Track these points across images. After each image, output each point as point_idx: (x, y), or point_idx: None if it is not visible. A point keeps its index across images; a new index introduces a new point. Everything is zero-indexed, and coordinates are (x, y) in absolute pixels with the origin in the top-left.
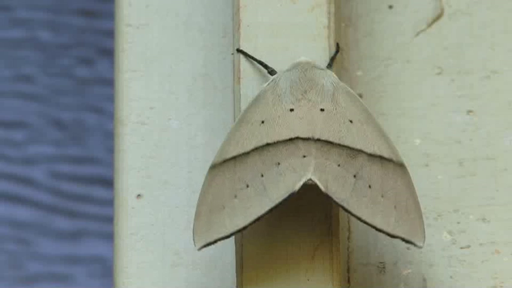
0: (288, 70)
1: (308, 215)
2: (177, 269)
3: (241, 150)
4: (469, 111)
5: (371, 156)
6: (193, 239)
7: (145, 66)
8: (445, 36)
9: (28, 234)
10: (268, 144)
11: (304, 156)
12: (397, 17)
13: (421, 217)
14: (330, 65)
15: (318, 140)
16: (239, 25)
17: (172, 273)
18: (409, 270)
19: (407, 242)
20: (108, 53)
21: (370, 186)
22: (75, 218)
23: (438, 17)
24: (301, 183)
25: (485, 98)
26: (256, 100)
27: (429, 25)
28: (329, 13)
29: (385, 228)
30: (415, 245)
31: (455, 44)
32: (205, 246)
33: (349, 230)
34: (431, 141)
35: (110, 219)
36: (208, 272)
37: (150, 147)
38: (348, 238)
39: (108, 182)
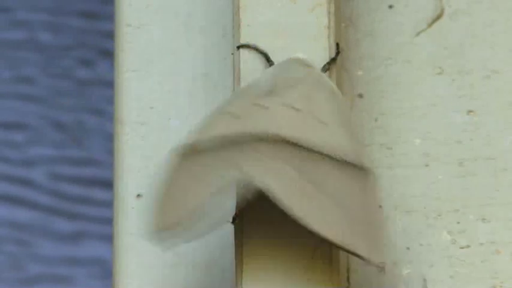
0: (277, 65)
1: None
2: (177, 269)
3: (210, 144)
4: (469, 111)
5: (336, 161)
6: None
7: (145, 66)
8: (445, 36)
9: (28, 236)
10: (234, 142)
11: (262, 160)
12: (397, 17)
13: (381, 232)
14: (330, 65)
15: (286, 141)
16: (239, 25)
17: (172, 273)
18: (409, 270)
19: (363, 259)
20: (109, 55)
21: (329, 195)
22: (75, 219)
23: (438, 17)
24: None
25: (485, 98)
26: (235, 94)
27: (429, 25)
28: (329, 13)
29: (338, 242)
30: (371, 264)
31: (456, 44)
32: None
33: None
34: (432, 141)
35: (109, 221)
36: (208, 272)
37: (150, 147)
38: None
39: (108, 184)
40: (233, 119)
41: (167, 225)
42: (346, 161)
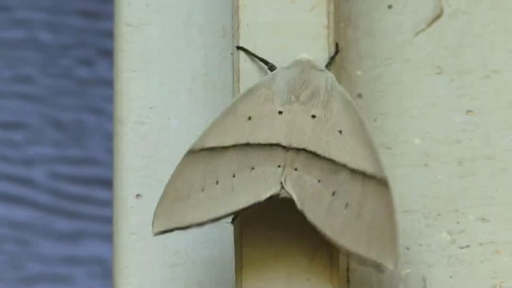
0: (287, 68)
1: None
2: (176, 269)
3: (221, 143)
4: (469, 111)
5: (353, 172)
6: (152, 223)
7: (145, 65)
8: (445, 36)
9: (28, 235)
10: (248, 145)
11: (279, 167)
12: (396, 17)
13: (396, 238)
14: (329, 65)
15: (304, 150)
16: (239, 25)
17: (171, 273)
18: (409, 270)
19: (377, 266)
20: (108, 54)
21: (347, 205)
22: (75, 218)
23: (438, 16)
24: (268, 194)
25: (485, 97)
26: (250, 93)
27: (429, 25)
28: (328, 13)
29: (355, 251)
30: (383, 268)
31: (455, 44)
32: (162, 233)
33: None
34: (431, 141)
35: (109, 220)
36: (208, 272)
37: (150, 147)
38: None
39: (107, 183)
40: (247, 123)
41: (168, 227)
42: (361, 171)
